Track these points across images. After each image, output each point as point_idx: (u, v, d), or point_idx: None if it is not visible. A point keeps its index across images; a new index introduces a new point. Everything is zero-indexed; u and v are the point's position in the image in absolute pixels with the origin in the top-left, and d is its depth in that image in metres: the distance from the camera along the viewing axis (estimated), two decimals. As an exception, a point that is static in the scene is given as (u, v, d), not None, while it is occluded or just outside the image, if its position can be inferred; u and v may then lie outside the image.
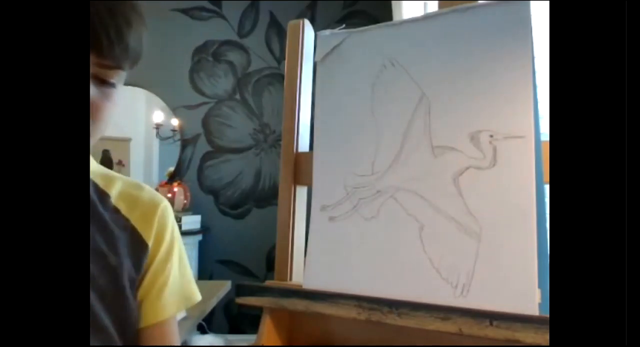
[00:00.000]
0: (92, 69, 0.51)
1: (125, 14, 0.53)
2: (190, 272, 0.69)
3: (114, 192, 0.64)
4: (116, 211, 0.62)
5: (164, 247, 0.65)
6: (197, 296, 0.69)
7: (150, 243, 0.63)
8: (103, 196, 0.63)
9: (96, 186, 0.63)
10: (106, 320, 0.57)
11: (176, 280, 0.66)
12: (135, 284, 0.62)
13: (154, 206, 0.65)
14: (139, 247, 0.62)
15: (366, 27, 0.68)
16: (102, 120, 0.55)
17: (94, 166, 0.66)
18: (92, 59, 0.50)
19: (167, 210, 0.67)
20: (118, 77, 0.54)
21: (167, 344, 0.66)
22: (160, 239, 0.65)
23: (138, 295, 0.63)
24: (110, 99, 0.54)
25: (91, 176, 0.63)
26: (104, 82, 0.53)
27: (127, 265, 0.60)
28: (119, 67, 0.53)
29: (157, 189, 2.83)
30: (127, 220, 0.63)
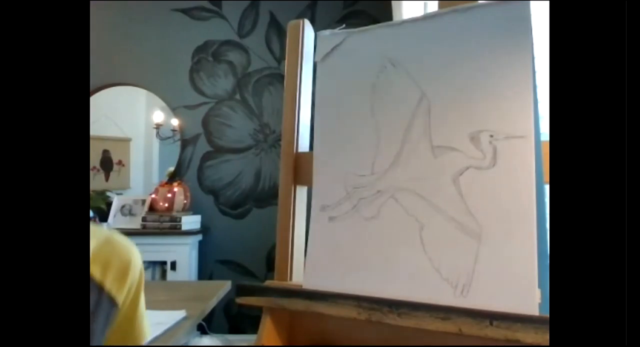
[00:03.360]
0: None
1: None
2: (145, 313, 0.71)
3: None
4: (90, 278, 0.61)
5: (132, 297, 0.67)
6: (148, 335, 0.72)
7: (120, 301, 0.64)
8: None
9: None
10: None
11: (137, 321, 0.69)
12: (104, 339, 0.64)
13: (126, 267, 0.65)
14: (110, 309, 0.63)
15: (366, 27, 0.68)
16: None
17: None
18: None
19: (137, 264, 0.67)
20: None
21: None
22: (130, 292, 0.66)
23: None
24: None
25: None
26: None
27: (100, 329, 0.61)
28: None
29: (157, 190, 2.83)
30: (101, 287, 0.62)
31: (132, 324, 0.69)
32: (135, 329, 0.69)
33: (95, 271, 0.62)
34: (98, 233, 0.65)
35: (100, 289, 0.62)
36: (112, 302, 0.63)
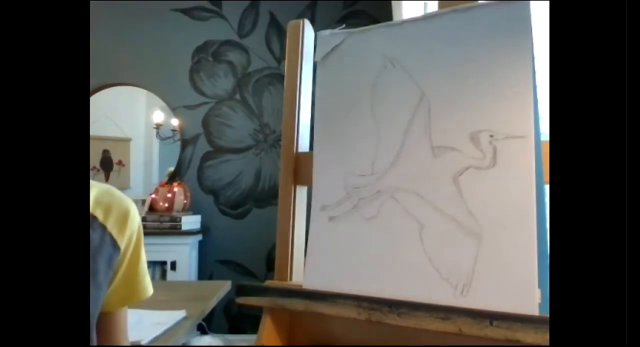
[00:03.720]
0: None
1: None
2: (146, 269, 0.76)
3: (90, 201, 0.67)
4: (93, 218, 0.66)
5: (132, 249, 0.71)
6: (151, 290, 0.76)
7: (122, 246, 0.69)
8: None
9: None
10: None
11: (140, 276, 0.74)
12: (107, 281, 0.68)
13: (126, 213, 0.70)
14: (113, 251, 0.68)
15: (366, 27, 0.68)
16: None
17: None
18: None
19: (135, 214, 0.73)
20: None
21: (121, 330, 0.74)
22: (130, 242, 0.71)
23: (109, 288, 0.69)
24: None
25: None
26: None
27: (103, 268, 0.66)
28: None
29: (157, 190, 2.83)
30: (104, 227, 0.67)
31: (135, 279, 0.73)
32: (138, 284, 0.73)
33: (97, 213, 0.67)
34: (98, 185, 0.71)
35: (103, 227, 0.67)
36: (115, 245, 0.68)
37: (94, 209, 0.67)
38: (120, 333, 0.75)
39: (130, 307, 0.78)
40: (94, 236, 0.65)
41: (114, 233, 0.68)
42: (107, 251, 0.66)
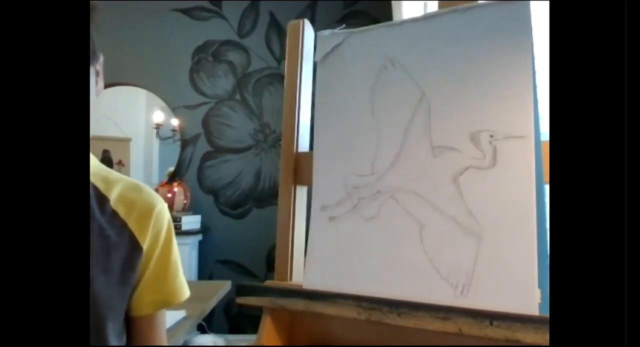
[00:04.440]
0: None
1: None
2: (181, 271, 0.73)
3: (113, 195, 0.66)
4: (114, 214, 0.65)
5: (159, 249, 0.69)
6: (186, 293, 0.73)
7: (145, 246, 0.67)
8: (102, 200, 0.65)
9: (97, 189, 0.65)
10: (98, 316, 0.61)
11: (170, 278, 0.71)
12: (131, 282, 0.66)
13: (150, 210, 0.68)
14: (133, 250, 0.65)
15: (366, 27, 0.68)
16: None
17: (96, 167, 0.68)
18: None
19: (162, 212, 0.70)
20: None
21: (158, 335, 0.72)
22: (156, 241, 0.68)
23: (135, 291, 0.67)
24: None
25: (92, 179, 0.65)
26: None
27: (119, 267, 0.64)
28: None
29: (157, 189, 2.84)
30: (124, 223, 0.65)
31: (165, 281, 0.70)
32: (169, 287, 0.71)
33: (119, 208, 0.66)
34: (127, 180, 0.69)
35: (124, 224, 0.65)
36: (136, 243, 0.66)
37: (116, 204, 0.65)
38: (154, 339, 0.71)
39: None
40: (112, 232, 0.63)
41: (136, 231, 0.66)
42: (125, 249, 0.64)
